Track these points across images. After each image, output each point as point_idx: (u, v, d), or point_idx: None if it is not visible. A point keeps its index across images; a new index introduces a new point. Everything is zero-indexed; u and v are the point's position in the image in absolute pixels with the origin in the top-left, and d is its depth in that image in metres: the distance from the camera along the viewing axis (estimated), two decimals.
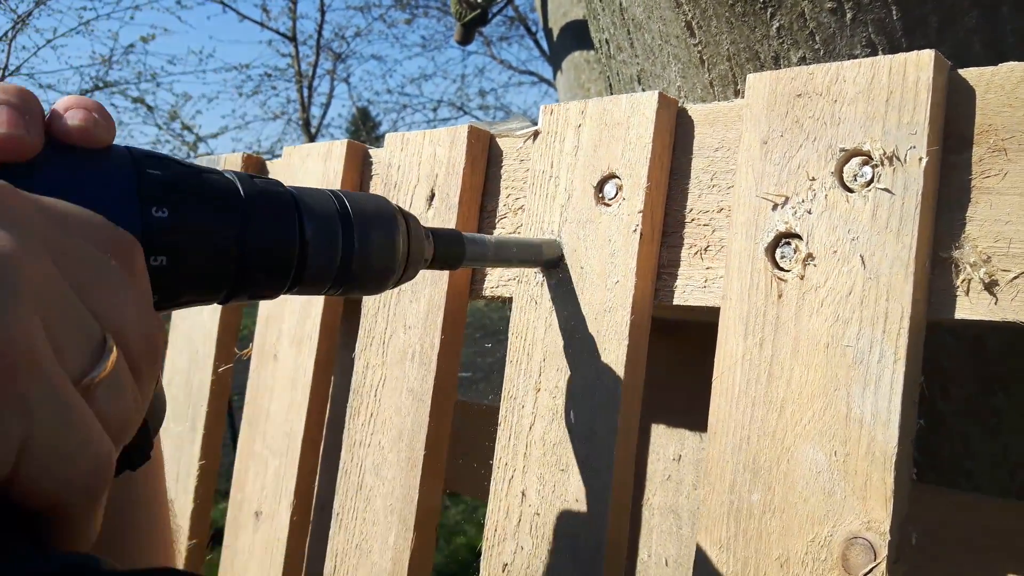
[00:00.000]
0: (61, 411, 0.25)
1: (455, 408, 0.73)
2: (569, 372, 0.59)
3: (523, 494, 0.61)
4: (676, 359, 0.76)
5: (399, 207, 0.48)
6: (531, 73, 9.75)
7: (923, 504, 0.65)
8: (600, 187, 0.60)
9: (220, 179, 0.39)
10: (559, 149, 0.63)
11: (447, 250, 0.52)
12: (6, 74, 4.44)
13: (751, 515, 0.49)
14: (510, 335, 0.64)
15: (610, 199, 0.59)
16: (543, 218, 0.63)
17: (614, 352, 0.57)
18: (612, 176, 0.59)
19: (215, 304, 0.40)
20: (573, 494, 0.58)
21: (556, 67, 2.05)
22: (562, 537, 0.58)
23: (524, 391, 0.62)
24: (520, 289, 0.64)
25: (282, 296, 0.43)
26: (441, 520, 0.87)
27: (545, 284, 0.62)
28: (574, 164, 0.62)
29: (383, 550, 0.71)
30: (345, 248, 0.44)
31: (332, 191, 0.45)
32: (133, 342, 0.29)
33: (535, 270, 0.62)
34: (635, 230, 0.57)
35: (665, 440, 0.75)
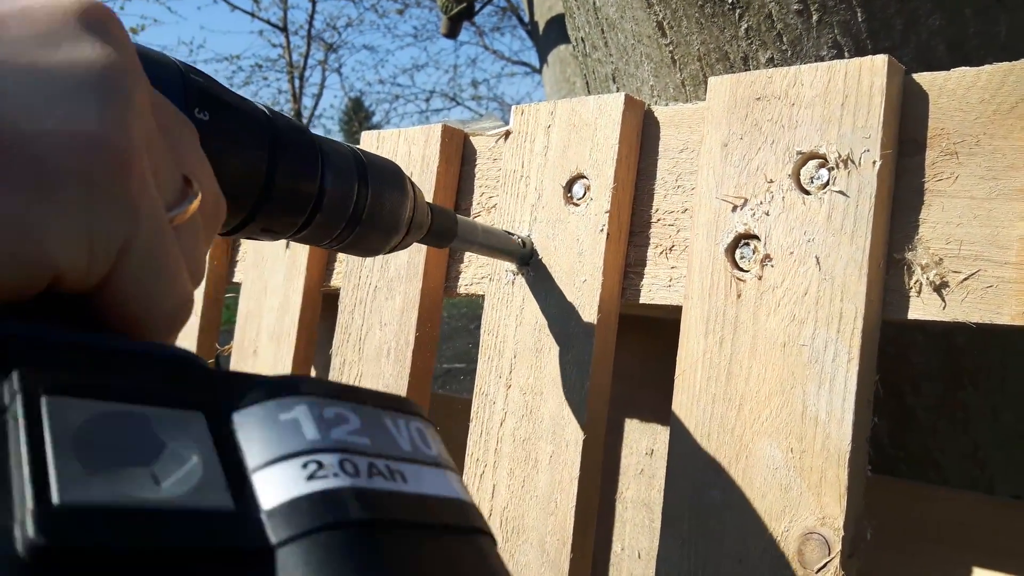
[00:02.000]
0: (162, 229, 0.25)
1: (435, 403, 0.74)
2: (539, 369, 0.60)
3: (494, 488, 0.62)
4: (649, 355, 0.77)
5: (408, 175, 0.49)
6: (524, 63, 9.74)
7: (890, 496, 0.66)
8: (569, 187, 0.61)
9: (252, 104, 0.39)
10: (529, 149, 0.64)
11: (442, 225, 0.53)
12: None
13: (711, 510, 0.50)
14: (482, 332, 0.65)
15: (578, 199, 0.60)
16: (514, 217, 0.64)
17: (582, 349, 0.58)
18: (580, 176, 0.60)
19: (226, 233, 0.40)
20: (542, 489, 0.59)
21: (542, 61, 2.05)
22: (531, 531, 0.59)
23: (495, 387, 0.63)
24: (492, 287, 0.65)
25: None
26: None
27: (515, 282, 0.63)
28: (544, 164, 0.63)
29: None
30: (359, 200, 0.45)
31: (350, 145, 0.46)
32: (206, 198, 0.29)
33: (506, 268, 0.63)
34: (602, 230, 0.58)
35: (638, 435, 0.76)
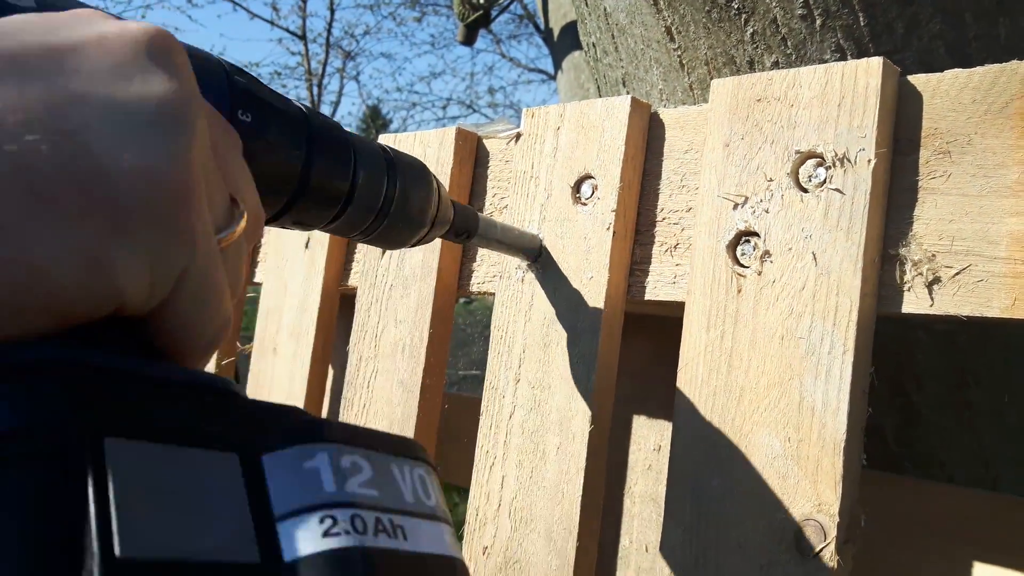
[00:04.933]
0: (213, 255, 0.26)
1: (450, 401, 0.76)
2: (547, 363, 0.62)
3: (503, 480, 0.64)
4: (657, 352, 0.79)
5: (433, 173, 0.52)
6: (540, 71, 9.77)
7: (896, 493, 0.68)
8: (577, 187, 0.63)
9: (292, 104, 0.41)
10: (539, 150, 0.66)
11: (464, 221, 0.55)
12: None
13: (712, 499, 0.52)
14: (492, 328, 0.67)
15: (586, 199, 0.62)
16: (524, 216, 0.66)
17: (588, 344, 0.60)
18: (588, 176, 0.62)
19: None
20: (550, 480, 0.61)
21: (557, 67, 2.07)
22: (538, 520, 0.61)
23: (505, 382, 0.65)
24: (502, 284, 0.67)
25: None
26: (453, 517, 0.90)
27: (525, 280, 0.65)
28: (553, 165, 0.65)
29: None
30: (387, 195, 0.47)
31: (380, 143, 0.48)
32: (248, 216, 0.30)
33: (516, 266, 0.65)
34: (608, 228, 0.60)
35: (646, 431, 0.78)
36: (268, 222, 0.42)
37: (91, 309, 0.23)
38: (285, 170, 0.40)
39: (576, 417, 0.60)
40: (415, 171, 0.49)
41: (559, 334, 0.62)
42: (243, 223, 0.29)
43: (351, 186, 0.44)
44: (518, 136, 0.69)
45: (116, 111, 0.23)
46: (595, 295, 0.60)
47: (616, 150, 0.60)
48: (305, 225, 0.44)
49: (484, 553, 0.63)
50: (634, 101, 0.60)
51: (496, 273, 0.70)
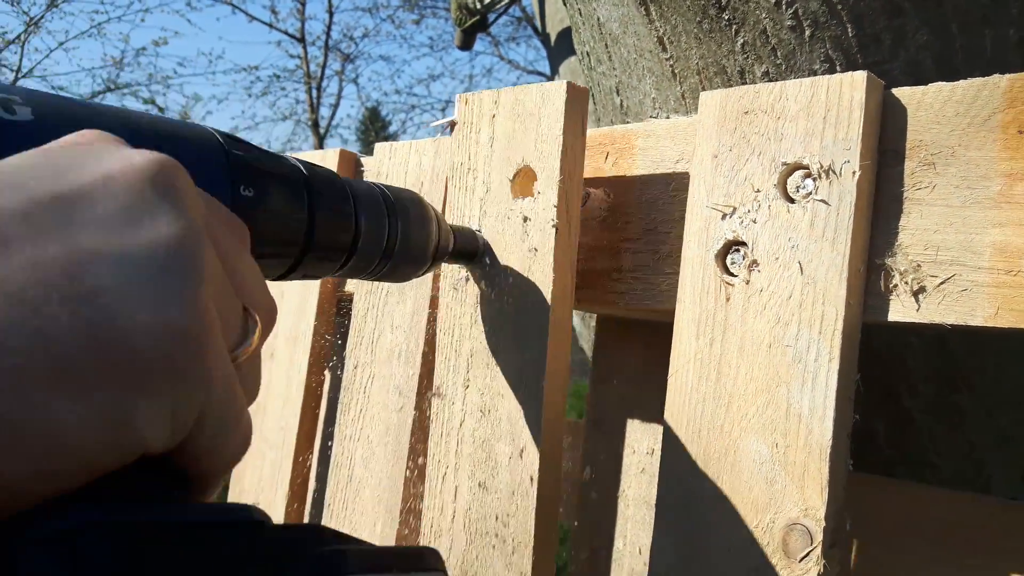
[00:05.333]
0: (230, 383, 0.27)
1: None
2: (495, 369, 0.61)
3: (456, 490, 0.63)
4: (651, 358, 0.80)
5: (430, 203, 0.52)
6: (539, 73, 9.78)
7: (887, 496, 0.68)
8: (516, 180, 0.61)
9: (288, 165, 0.41)
10: (475, 140, 0.64)
11: (465, 245, 0.56)
12: (19, 76, 4.51)
13: (701, 503, 0.53)
14: (438, 332, 0.65)
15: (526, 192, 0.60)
16: (463, 211, 0.64)
17: (536, 347, 0.58)
18: (527, 168, 0.60)
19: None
20: (503, 489, 0.60)
21: (554, 71, 2.08)
22: (493, 533, 0.60)
23: (454, 388, 0.63)
24: (445, 285, 0.65)
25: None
26: None
27: (470, 279, 0.63)
28: (491, 156, 0.62)
29: (371, 537, 0.75)
30: (390, 237, 0.48)
31: (374, 183, 0.49)
32: (261, 316, 0.30)
33: (458, 265, 0.63)
34: (551, 225, 0.58)
35: (640, 435, 0.79)
36: (277, 278, 0.43)
37: (117, 460, 0.24)
38: (290, 234, 0.41)
39: (528, 425, 0.59)
40: (414, 208, 0.50)
41: (506, 338, 0.60)
42: (258, 332, 0.29)
43: (355, 236, 0.45)
44: (452, 124, 0.66)
45: (128, 265, 0.24)
46: (541, 296, 0.58)
47: (554, 140, 0.58)
48: (313, 277, 0.45)
49: None
50: (571, 87, 0.58)
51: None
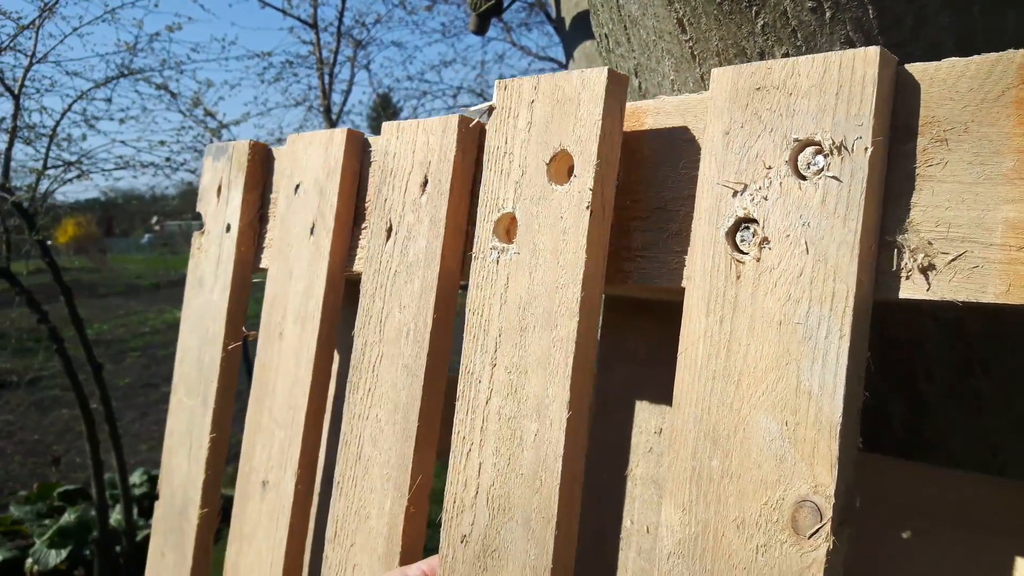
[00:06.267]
0: None
1: (452, 384, 0.77)
2: (523, 347, 0.62)
3: (480, 467, 0.63)
4: (659, 337, 0.80)
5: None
6: (551, 59, 9.73)
7: (902, 477, 0.68)
8: (552, 163, 0.62)
9: None
10: (513, 125, 0.65)
11: None
12: (33, 60, 4.52)
13: (711, 480, 0.53)
14: (467, 311, 0.66)
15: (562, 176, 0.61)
16: (498, 194, 0.65)
17: (565, 328, 0.59)
18: (564, 152, 0.61)
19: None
20: (527, 466, 0.60)
21: (568, 56, 2.07)
22: (517, 509, 0.61)
23: (481, 366, 0.64)
24: (476, 266, 0.66)
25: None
26: (437, 487, 0.91)
27: (500, 261, 0.64)
28: (527, 140, 0.63)
29: (380, 515, 0.75)
30: None
31: None
32: None
33: (491, 247, 0.64)
34: (586, 207, 0.59)
35: (648, 414, 0.78)
36: None
37: None
38: None
39: (554, 403, 0.59)
40: None
41: (535, 318, 0.61)
42: None
43: None
44: (491, 109, 0.67)
45: None
46: (572, 277, 0.59)
47: (593, 125, 0.59)
48: None
49: (463, 542, 0.64)
50: (611, 73, 0.59)
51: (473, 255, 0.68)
